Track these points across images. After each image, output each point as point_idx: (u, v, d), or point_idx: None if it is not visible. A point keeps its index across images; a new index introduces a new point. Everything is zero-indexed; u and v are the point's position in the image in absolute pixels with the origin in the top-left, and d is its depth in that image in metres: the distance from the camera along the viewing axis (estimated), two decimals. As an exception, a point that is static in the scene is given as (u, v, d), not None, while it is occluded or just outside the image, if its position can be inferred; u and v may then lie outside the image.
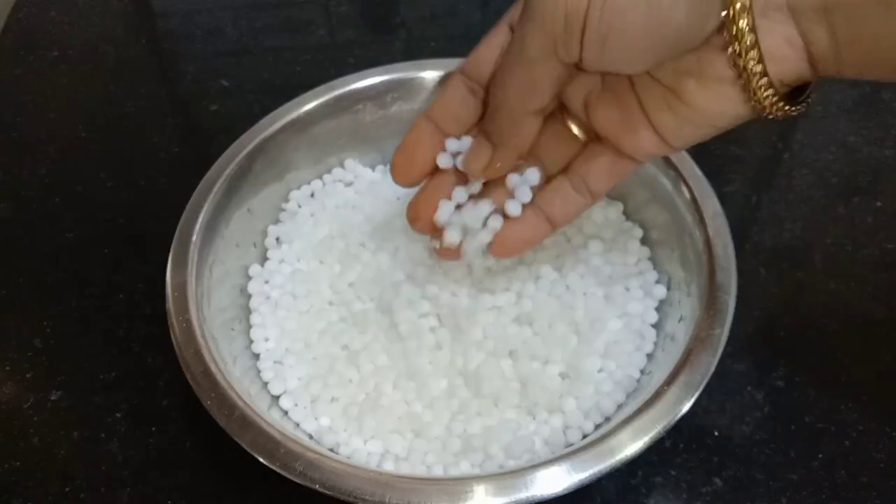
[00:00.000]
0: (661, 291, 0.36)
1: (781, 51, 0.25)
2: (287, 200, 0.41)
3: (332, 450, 0.32)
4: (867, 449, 0.34)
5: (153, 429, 0.36)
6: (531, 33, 0.26)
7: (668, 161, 0.36)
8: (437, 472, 0.31)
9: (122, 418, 0.36)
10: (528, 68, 0.27)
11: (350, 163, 0.42)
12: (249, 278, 0.38)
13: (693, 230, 0.34)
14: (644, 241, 0.38)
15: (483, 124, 0.30)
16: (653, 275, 0.37)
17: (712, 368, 0.30)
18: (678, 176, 0.35)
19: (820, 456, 0.34)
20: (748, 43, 0.24)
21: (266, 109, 0.39)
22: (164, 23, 0.58)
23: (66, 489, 0.34)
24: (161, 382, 0.37)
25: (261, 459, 0.28)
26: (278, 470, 0.28)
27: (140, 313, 0.39)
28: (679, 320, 0.34)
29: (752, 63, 0.24)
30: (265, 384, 0.34)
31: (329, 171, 0.42)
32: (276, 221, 0.40)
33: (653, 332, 0.35)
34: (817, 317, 0.39)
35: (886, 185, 0.44)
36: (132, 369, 0.38)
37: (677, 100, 0.27)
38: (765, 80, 0.25)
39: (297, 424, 0.33)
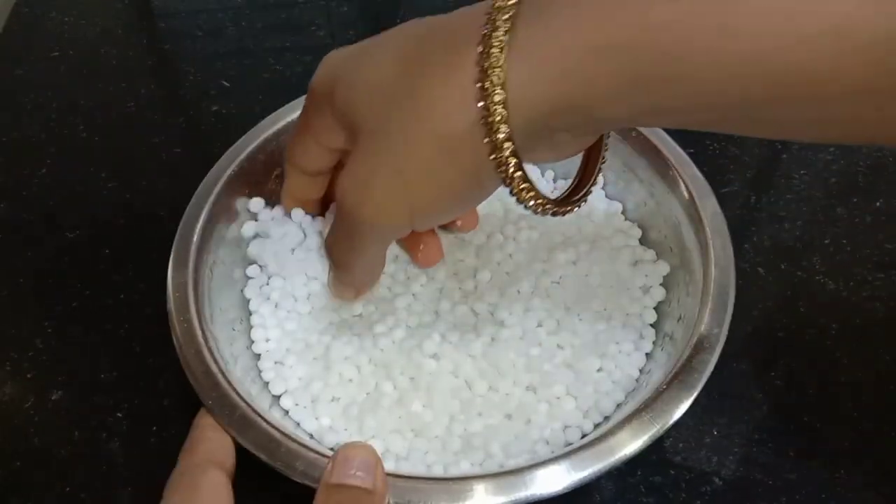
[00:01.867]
0: (660, 292, 0.36)
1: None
2: (287, 200, 0.41)
3: (332, 449, 0.32)
4: (867, 449, 0.34)
5: (153, 429, 0.36)
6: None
7: (667, 161, 0.36)
8: (438, 471, 0.31)
9: (122, 418, 0.36)
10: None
11: (350, 163, 0.42)
12: (250, 278, 0.38)
13: (692, 230, 0.34)
14: (644, 241, 0.38)
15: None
16: (652, 275, 0.37)
17: (712, 368, 0.30)
18: (677, 176, 0.35)
19: (820, 456, 0.34)
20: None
21: (266, 109, 0.39)
22: (164, 23, 0.58)
23: (66, 489, 0.34)
24: (161, 382, 0.37)
25: (262, 459, 0.28)
26: (279, 469, 0.28)
27: (140, 313, 0.39)
28: (678, 320, 0.34)
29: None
30: (266, 384, 0.34)
31: (329, 172, 0.42)
32: (277, 221, 0.40)
33: (652, 331, 0.35)
34: (817, 317, 0.39)
35: (886, 185, 0.44)
36: (132, 369, 0.38)
37: None
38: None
39: (298, 424, 0.33)
